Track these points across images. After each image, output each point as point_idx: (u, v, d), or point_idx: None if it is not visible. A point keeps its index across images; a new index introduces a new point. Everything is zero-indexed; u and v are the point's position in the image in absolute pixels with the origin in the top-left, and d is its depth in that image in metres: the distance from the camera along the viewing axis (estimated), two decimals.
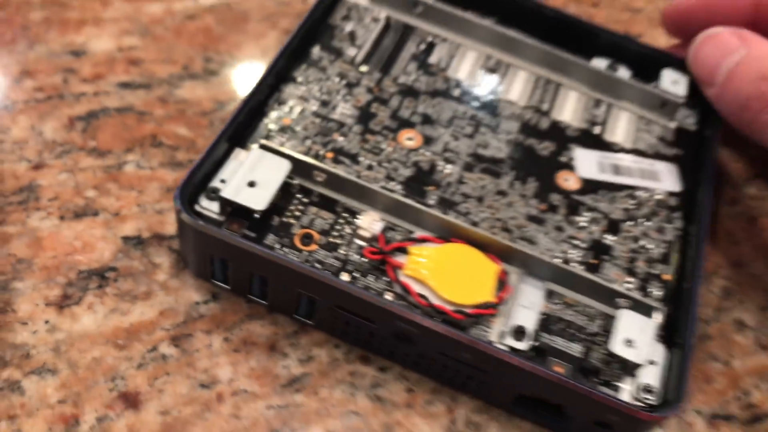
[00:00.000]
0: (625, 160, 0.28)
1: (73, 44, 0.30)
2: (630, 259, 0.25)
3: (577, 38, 0.31)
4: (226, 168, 0.24)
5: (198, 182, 0.23)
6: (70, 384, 0.22)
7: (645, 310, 0.23)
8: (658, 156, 0.29)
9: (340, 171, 0.24)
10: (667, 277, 0.25)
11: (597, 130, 0.29)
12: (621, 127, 0.29)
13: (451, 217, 0.24)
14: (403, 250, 0.23)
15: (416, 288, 0.22)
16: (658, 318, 0.23)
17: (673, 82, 0.30)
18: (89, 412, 0.22)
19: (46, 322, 0.23)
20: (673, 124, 0.30)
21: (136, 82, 0.30)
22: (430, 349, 0.22)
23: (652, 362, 0.22)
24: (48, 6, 0.31)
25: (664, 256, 0.26)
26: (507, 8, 0.31)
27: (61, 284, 0.24)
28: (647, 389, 0.22)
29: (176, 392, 0.23)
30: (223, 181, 0.24)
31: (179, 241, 0.25)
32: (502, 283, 0.23)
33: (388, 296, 0.23)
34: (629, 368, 0.22)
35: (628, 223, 0.26)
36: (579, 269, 0.24)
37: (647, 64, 0.31)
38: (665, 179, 0.28)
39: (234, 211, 0.23)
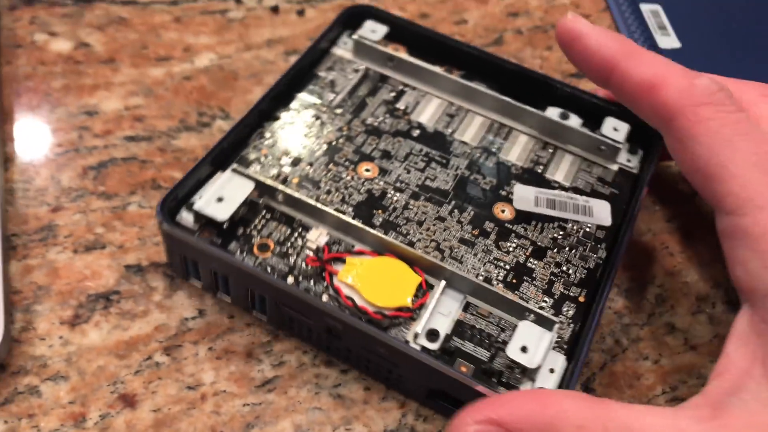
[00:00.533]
0: (562, 196, 0.31)
1: (87, 105, 0.35)
2: (549, 281, 0.29)
3: (536, 90, 0.35)
4: (206, 188, 0.29)
5: (181, 198, 0.28)
6: (79, 388, 0.27)
7: (547, 324, 0.26)
8: (594, 194, 0.32)
9: (297, 193, 0.29)
10: (582, 299, 0.28)
11: (540, 169, 0.32)
12: (564, 167, 0.33)
13: (388, 236, 0.28)
14: (342, 260, 0.28)
15: (345, 291, 0.27)
16: (557, 331, 0.26)
17: (614, 129, 0.33)
18: (94, 411, 0.26)
19: (60, 337, 0.28)
20: (614, 166, 0.33)
21: (139, 135, 0.35)
22: (354, 344, 0.27)
23: (552, 370, 0.26)
24: (67, 75, 0.37)
25: (581, 281, 0.29)
26: (474, 63, 0.36)
27: (73, 306, 0.29)
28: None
29: (167, 393, 0.27)
30: (220, 199, 0.28)
31: (165, 249, 0.29)
32: (422, 292, 0.27)
33: (325, 297, 0.27)
34: (527, 373, 0.26)
35: (554, 250, 0.30)
36: (495, 287, 0.28)
37: (596, 112, 0.34)
38: (598, 215, 0.31)
39: (206, 222, 0.28)
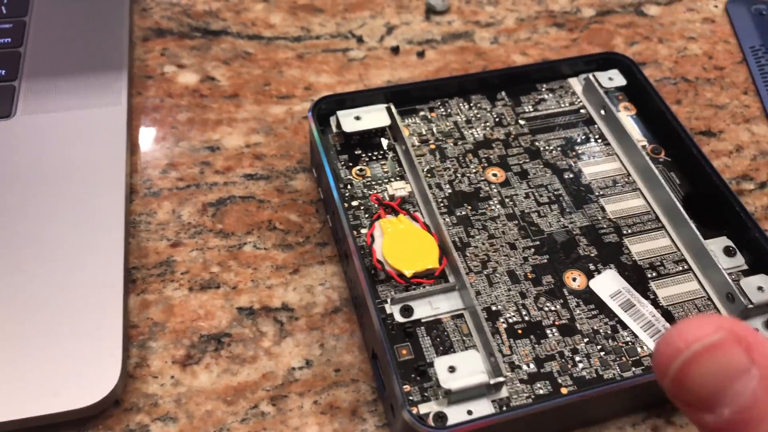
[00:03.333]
0: (645, 309, 0.29)
1: (210, 141, 0.36)
2: (551, 356, 0.27)
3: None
4: (365, 108, 0.34)
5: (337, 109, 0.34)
6: (187, 431, 0.27)
7: (496, 373, 0.26)
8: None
9: (416, 153, 0.33)
10: (564, 390, 0.27)
11: (651, 274, 0.30)
12: (675, 290, 0.30)
13: (447, 225, 0.31)
14: (395, 213, 0.31)
15: (378, 255, 0.29)
16: (503, 388, 0.26)
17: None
18: None
19: (172, 377, 0.28)
20: None
21: (258, 174, 0.35)
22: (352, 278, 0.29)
23: (469, 412, 0.25)
24: (192, 108, 0.37)
25: (581, 380, 0.27)
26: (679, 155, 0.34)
27: (185, 346, 0.29)
28: (438, 415, 0.25)
29: None
30: (358, 118, 0.33)
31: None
32: (434, 277, 0.29)
33: (363, 230, 0.31)
34: (439, 392, 0.26)
35: (585, 340, 0.28)
36: (497, 324, 0.28)
37: None
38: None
39: (341, 132, 0.33)
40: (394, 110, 0.33)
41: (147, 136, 0.36)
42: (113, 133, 0.34)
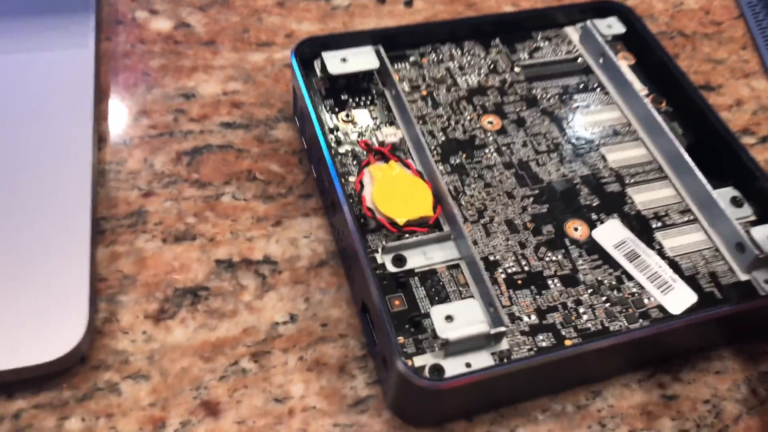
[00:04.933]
0: (650, 259, 0.27)
1: (185, 88, 0.34)
2: (554, 307, 0.26)
3: None
4: (343, 49, 0.31)
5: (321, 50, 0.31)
6: (160, 390, 0.25)
7: (497, 324, 0.24)
8: (693, 281, 0.27)
9: (407, 98, 0.31)
10: (568, 342, 0.25)
11: (656, 224, 0.28)
12: (682, 240, 0.28)
13: (441, 173, 0.29)
14: (386, 160, 0.29)
15: (368, 203, 0.27)
16: (504, 339, 0.25)
17: None
18: (174, 417, 0.24)
19: (144, 332, 0.26)
20: (745, 277, 0.27)
21: (237, 122, 0.33)
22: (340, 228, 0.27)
23: (468, 364, 0.24)
24: (166, 55, 0.35)
25: (586, 332, 0.25)
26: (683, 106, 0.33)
27: (159, 300, 0.27)
28: (434, 368, 0.23)
29: (252, 404, 0.25)
30: (344, 59, 0.31)
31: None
32: (428, 225, 0.27)
33: (351, 178, 0.28)
34: (435, 343, 0.24)
35: (588, 291, 0.26)
36: (496, 274, 0.26)
37: None
38: (672, 299, 0.26)
39: (327, 76, 0.31)
40: (383, 52, 0.31)
41: (117, 82, 0.34)
42: (79, 77, 0.32)
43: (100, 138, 0.31)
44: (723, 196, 0.29)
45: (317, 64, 0.31)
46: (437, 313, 0.24)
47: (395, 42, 0.33)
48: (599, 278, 0.27)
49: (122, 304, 0.27)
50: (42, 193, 0.28)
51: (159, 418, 0.24)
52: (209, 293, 0.27)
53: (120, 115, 0.32)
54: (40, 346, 0.24)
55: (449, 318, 0.24)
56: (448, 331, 0.23)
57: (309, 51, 0.31)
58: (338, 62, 0.31)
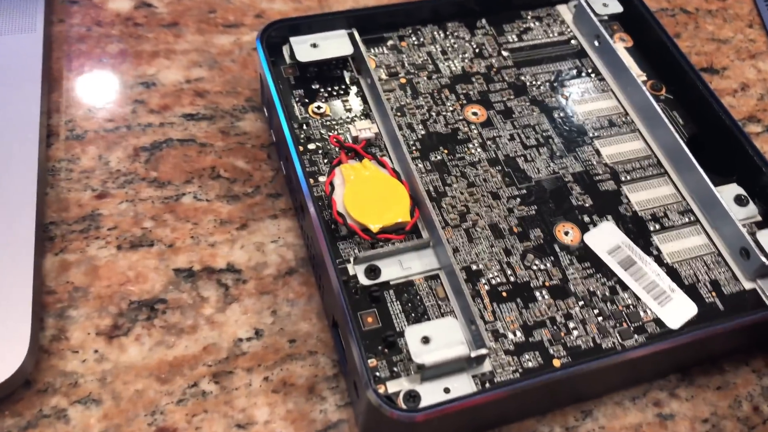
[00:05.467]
0: (648, 266, 0.25)
1: (144, 75, 0.31)
2: (542, 322, 0.23)
3: None
4: (314, 33, 0.29)
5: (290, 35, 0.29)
6: (112, 416, 0.23)
7: (478, 344, 0.22)
8: (687, 288, 0.25)
9: (383, 88, 0.28)
10: (556, 363, 0.23)
11: (653, 227, 0.26)
12: (681, 244, 0.26)
13: (420, 171, 0.26)
14: (360, 158, 0.26)
15: (339, 207, 0.25)
16: (485, 362, 0.22)
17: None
18: None
19: (96, 351, 0.24)
20: (749, 285, 0.25)
21: (200, 113, 0.30)
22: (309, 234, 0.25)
23: (447, 390, 0.22)
24: (125, 39, 0.32)
25: (576, 351, 0.23)
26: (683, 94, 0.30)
27: (112, 314, 0.25)
28: (409, 395, 0.21)
29: (213, 431, 0.23)
30: (315, 45, 0.28)
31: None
32: (405, 232, 0.25)
33: (322, 178, 0.26)
34: (411, 367, 0.22)
35: (580, 303, 0.24)
36: (479, 285, 0.24)
37: None
38: (669, 311, 0.24)
39: (297, 63, 0.28)
40: (357, 37, 0.29)
41: (70, 70, 0.31)
42: (26, 64, 0.29)
43: (50, 132, 0.29)
44: (726, 194, 0.27)
45: (286, 50, 0.29)
46: (412, 334, 0.22)
47: (372, 24, 0.30)
48: (591, 289, 0.24)
49: (72, 320, 0.25)
50: None
51: None
52: (167, 306, 0.25)
53: (73, 107, 0.30)
54: None
55: (426, 339, 0.22)
56: (424, 355, 0.21)
57: (277, 35, 0.28)
58: (308, 48, 0.28)
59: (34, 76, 0.29)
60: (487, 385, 0.22)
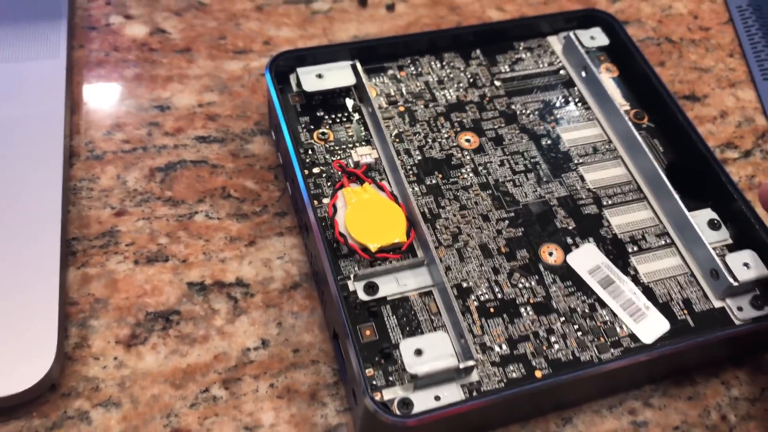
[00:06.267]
0: (624, 285, 0.27)
1: (159, 99, 0.33)
2: (525, 336, 0.26)
3: None
4: (320, 64, 0.31)
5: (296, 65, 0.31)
6: (131, 417, 0.25)
7: (467, 356, 0.24)
8: (660, 306, 0.27)
9: (383, 116, 0.30)
10: (538, 373, 0.25)
11: (632, 249, 0.28)
12: (659, 265, 0.28)
13: (416, 194, 0.29)
14: (360, 182, 0.28)
15: (341, 228, 0.27)
16: (473, 371, 0.24)
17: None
18: None
19: (115, 358, 0.26)
20: (719, 304, 0.27)
21: (212, 136, 0.32)
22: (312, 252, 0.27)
23: (437, 398, 0.24)
24: (141, 63, 0.34)
25: (557, 363, 0.25)
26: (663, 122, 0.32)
27: (130, 324, 0.27)
28: (403, 402, 0.23)
29: None
30: (320, 76, 0.31)
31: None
32: (401, 252, 0.27)
33: (326, 200, 0.28)
34: (406, 377, 0.24)
35: (561, 319, 0.26)
36: (468, 302, 0.26)
37: None
38: (644, 328, 0.26)
39: (302, 91, 0.30)
40: (359, 68, 0.31)
41: (90, 93, 0.33)
42: (51, 89, 0.31)
43: (72, 153, 0.31)
44: (700, 218, 0.29)
45: (293, 78, 0.31)
46: (407, 346, 0.24)
47: (373, 55, 0.32)
48: (572, 306, 0.26)
49: (93, 329, 0.27)
50: (10, 212, 0.28)
51: None
52: (181, 317, 0.27)
53: (92, 129, 0.32)
54: (8, 377, 0.24)
55: (419, 352, 0.24)
56: (417, 366, 0.23)
57: (284, 64, 0.31)
58: (314, 79, 0.30)
59: (58, 100, 0.31)
60: (474, 393, 0.24)
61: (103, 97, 0.33)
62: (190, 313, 0.27)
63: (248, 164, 0.32)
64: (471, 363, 0.24)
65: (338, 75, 0.30)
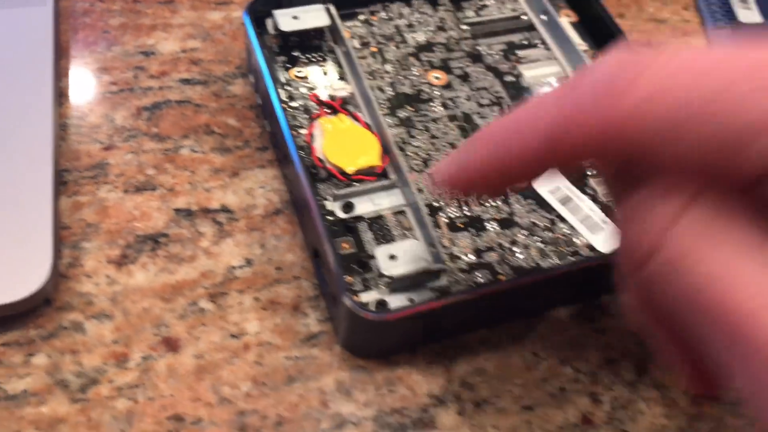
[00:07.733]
0: (583, 202, 0.29)
1: (144, 46, 0.35)
2: (491, 247, 0.28)
3: None
4: (303, 8, 0.33)
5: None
6: (123, 328, 0.27)
7: (438, 262, 0.26)
8: None
9: (357, 55, 0.32)
10: (502, 277, 0.27)
11: (591, 171, 0.29)
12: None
13: (389, 125, 0.30)
14: (336, 113, 0.30)
15: (318, 153, 0.29)
16: (443, 277, 0.26)
17: None
18: (136, 352, 0.26)
19: (107, 276, 0.28)
20: None
21: (195, 78, 0.34)
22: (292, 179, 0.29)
23: (411, 300, 0.26)
24: (126, 13, 0.36)
25: (520, 269, 0.27)
26: None
27: (121, 246, 0.28)
28: (379, 303, 0.26)
29: (210, 340, 0.27)
30: (295, 17, 0.32)
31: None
32: (376, 174, 0.29)
33: (303, 131, 0.30)
34: (380, 282, 0.26)
35: (525, 232, 0.28)
36: (437, 218, 0.28)
37: None
38: (601, 238, 0.28)
39: (280, 33, 0.32)
40: (333, 11, 0.32)
41: (76, 40, 0.35)
42: (38, 34, 0.33)
43: (61, 94, 0.32)
44: None
45: (270, 23, 0.33)
46: (382, 252, 0.26)
47: (346, 1, 0.34)
48: (534, 220, 0.28)
49: (86, 251, 0.28)
50: (4, 145, 0.29)
51: (122, 354, 0.26)
52: (169, 239, 0.29)
53: (80, 72, 0.33)
54: (5, 287, 0.26)
55: (393, 257, 0.25)
56: (391, 269, 0.25)
57: (262, 10, 0.32)
58: (290, 19, 0.32)
59: (46, 44, 0.32)
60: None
61: (90, 43, 0.35)
62: (178, 235, 0.29)
63: (230, 104, 0.33)
64: (441, 265, 0.26)
65: (313, 16, 0.32)
